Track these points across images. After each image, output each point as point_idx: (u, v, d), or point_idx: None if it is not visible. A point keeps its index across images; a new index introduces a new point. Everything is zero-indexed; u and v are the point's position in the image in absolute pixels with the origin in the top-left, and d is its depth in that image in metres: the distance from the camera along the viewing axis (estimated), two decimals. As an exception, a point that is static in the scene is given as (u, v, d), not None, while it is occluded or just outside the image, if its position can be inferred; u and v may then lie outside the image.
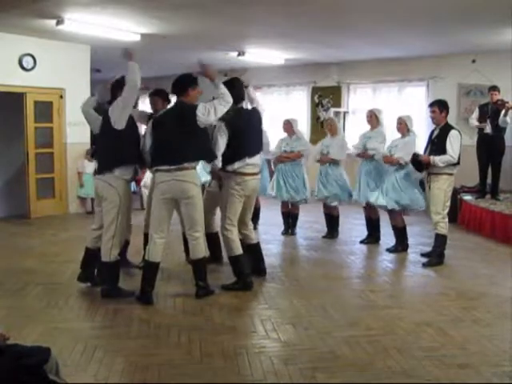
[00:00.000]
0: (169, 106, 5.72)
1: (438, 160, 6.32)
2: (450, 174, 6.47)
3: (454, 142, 6.34)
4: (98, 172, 5.26)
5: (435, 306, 5.19)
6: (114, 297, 5.20)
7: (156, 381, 3.60)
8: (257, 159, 5.63)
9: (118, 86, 5.18)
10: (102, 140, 5.29)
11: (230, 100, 5.11)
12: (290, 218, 8.38)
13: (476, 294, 5.49)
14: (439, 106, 6.54)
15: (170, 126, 5.03)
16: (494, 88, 8.85)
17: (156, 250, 5.16)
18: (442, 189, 6.44)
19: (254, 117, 5.75)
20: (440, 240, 6.58)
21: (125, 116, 5.04)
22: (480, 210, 8.56)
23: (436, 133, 6.59)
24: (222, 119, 5.28)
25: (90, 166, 9.96)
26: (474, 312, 4.94)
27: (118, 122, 5.02)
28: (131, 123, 5.14)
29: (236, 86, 5.49)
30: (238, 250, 5.57)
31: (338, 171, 7.84)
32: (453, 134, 6.38)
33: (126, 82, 5.03)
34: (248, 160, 5.49)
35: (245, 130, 5.48)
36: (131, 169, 5.26)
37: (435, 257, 6.58)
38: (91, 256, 5.47)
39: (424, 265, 6.52)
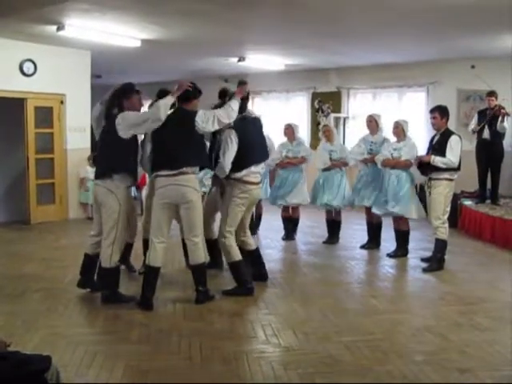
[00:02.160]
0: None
1: (438, 160, 6.34)
2: (451, 180, 6.48)
3: (454, 147, 6.36)
4: (96, 177, 5.27)
5: (435, 310, 5.20)
6: (114, 302, 5.20)
7: (156, 386, 3.62)
8: (260, 168, 5.67)
9: (122, 94, 5.22)
10: (103, 146, 5.28)
11: (234, 116, 5.18)
12: (290, 223, 8.39)
13: (476, 298, 5.50)
14: (440, 112, 6.55)
15: (170, 132, 5.06)
16: (491, 93, 8.87)
17: (156, 255, 5.16)
18: (442, 194, 6.45)
19: (257, 125, 5.80)
20: (440, 245, 6.58)
21: (133, 132, 5.09)
22: (480, 215, 8.56)
23: (437, 138, 6.61)
24: (232, 126, 5.31)
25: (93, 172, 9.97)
26: (473, 317, 4.94)
27: (125, 133, 5.03)
28: None
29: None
30: (237, 255, 5.57)
31: (341, 176, 7.87)
32: (453, 139, 6.40)
33: (155, 111, 4.95)
34: (253, 168, 5.52)
35: (251, 138, 5.51)
36: (131, 175, 5.28)
37: (435, 262, 6.58)
38: (90, 262, 5.48)
39: (424, 270, 6.52)
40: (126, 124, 5.02)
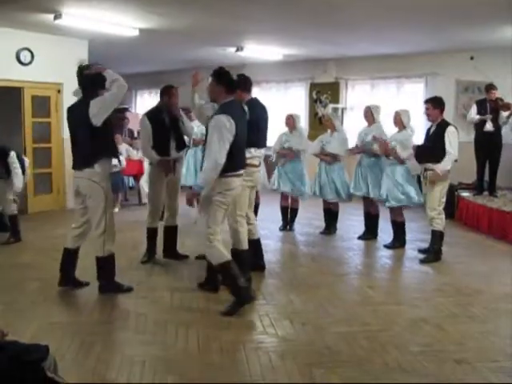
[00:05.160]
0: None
1: (445, 165, 6.34)
2: (447, 171, 6.48)
3: (452, 140, 6.38)
4: (75, 168, 5.16)
5: (432, 302, 5.21)
6: (113, 292, 5.19)
7: (152, 376, 3.62)
8: (263, 151, 5.66)
9: (97, 81, 5.05)
10: (78, 135, 5.11)
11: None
12: (288, 214, 8.39)
13: (472, 290, 5.51)
14: (432, 103, 6.57)
15: (243, 132, 4.88)
16: (493, 86, 8.84)
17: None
18: (438, 185, 6.46)
19: (263, 109, 5.76)
20: (436, 236, 6.59)
21: (107, 113, 4.99)
22: (477, 207, 8.57)
23: (433, 129, 6.62)
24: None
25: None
26: (470, 308, 4.96)
27: (98, 119, 4.93)
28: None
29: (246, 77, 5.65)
30: (244, 244, 5.49)
31: (337, 168, 7.84)
32: (450, 130, 6.41)
33: (115, 80, 4.93)
34: (254, 152, 5.47)
35: (257, 121, 5.47)
36: (110, 161, 5.26)
37: (432, 253, 6.60)
38: (70, 256, 5.34)
39: (421, 261, 6.53)
40: (106, 105, 4.95)
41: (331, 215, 8.10)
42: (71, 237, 5.36)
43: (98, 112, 4.92)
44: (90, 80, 5.12)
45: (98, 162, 5.04)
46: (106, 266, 5.21)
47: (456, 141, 6.41)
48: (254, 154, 5.47)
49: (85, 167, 5.04)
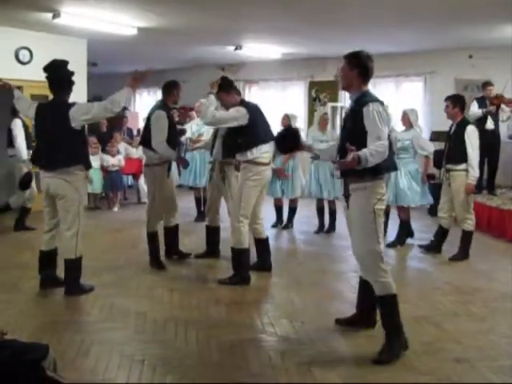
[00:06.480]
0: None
1: (474, 176, 6.35)
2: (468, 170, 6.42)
3: (473, 140, 6.33)
4: (46, 168, 5.09)
5: (432, 300, 5.21)
6: (79, 294, 5.12)
7: (151, 375, 3.61)
8: (270, 147, 5.55)
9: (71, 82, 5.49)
10: (55, 135, 5.04)
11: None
12: (282, 212, 8.47)
13: (472, 288, 5.51)
14: (452, 101, 6.46)
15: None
16: (489, 83, 8.81)
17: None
18: (464, 185, 6.38)
19: (254, 106, 5.78)
20: (468, 237, 6.55)
21: (86, 122, 5.15)
22: (476, 206, 8.50)
23: (453, 128, 6.55)
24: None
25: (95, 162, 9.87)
26: (470, 307, 4.96)
27: (78, 122, 5.01)
28: None
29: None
30: (246, 244, 5.52)
31: (323, 166, 7.77)
32: (469, 131, 6.35)
33: (117, 103, 5.02)
34: (264, 147, 5.47)
35: (256, 118, 5.53)
36: (83, 167, 5.21)
37: (462, 252, 6.56)
38: (48, 258, 5.31)
39: (450, 259, 6.51)
40: (89, 113, 5.02)
41: (330, 214, 8.09)
42: (46, 240, 5.33)
43: (79, 117, 5.00)
44: (68, 80, 5.41)
45: (74, 164, 5.05)
46: (75, 267, 5.15)
47: (476, 140, 6.37)
48: (262, 150, 5.47)
49: (59, 167, 5.01)
